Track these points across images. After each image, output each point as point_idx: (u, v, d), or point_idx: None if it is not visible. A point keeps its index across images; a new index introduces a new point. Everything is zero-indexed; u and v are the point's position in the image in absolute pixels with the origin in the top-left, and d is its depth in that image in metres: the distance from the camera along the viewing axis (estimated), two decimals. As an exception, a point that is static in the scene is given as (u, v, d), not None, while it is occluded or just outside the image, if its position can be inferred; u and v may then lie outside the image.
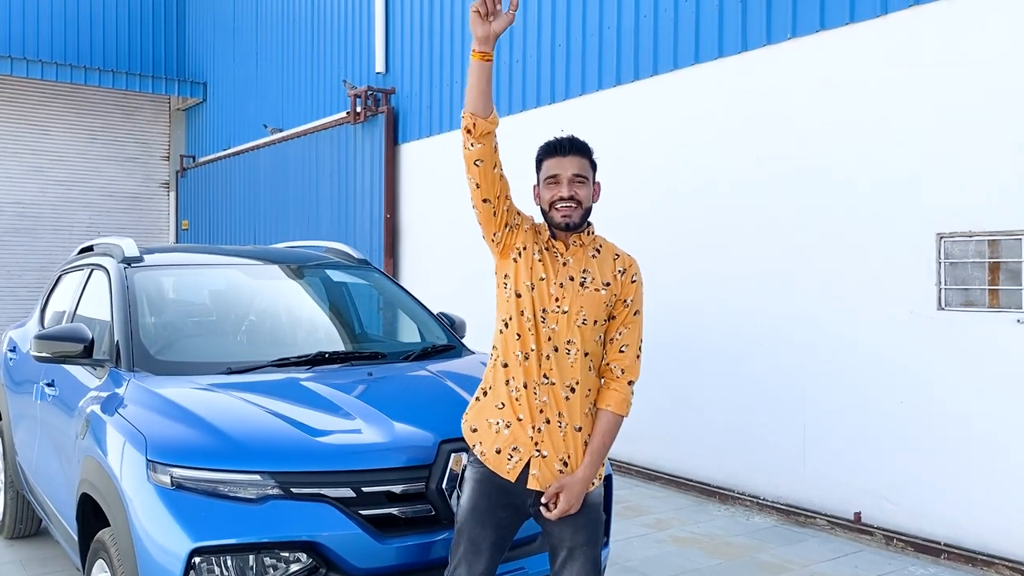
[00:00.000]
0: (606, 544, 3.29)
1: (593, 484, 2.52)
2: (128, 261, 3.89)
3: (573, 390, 2.48)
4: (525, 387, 2.47)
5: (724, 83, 5.83)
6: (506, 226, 2.53)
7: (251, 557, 2.52)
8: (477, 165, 2.44)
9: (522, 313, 2.49)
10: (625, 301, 2.56)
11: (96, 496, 2.91)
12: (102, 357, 3.49)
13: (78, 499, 3.12)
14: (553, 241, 2.55)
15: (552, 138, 2.59)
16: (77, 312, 4.23)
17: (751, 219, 5.64)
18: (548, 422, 2.46)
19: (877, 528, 4.86)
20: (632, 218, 6.53)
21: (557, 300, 2.49)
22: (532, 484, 2.47)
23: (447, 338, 4.08)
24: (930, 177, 4.70)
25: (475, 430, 2.55)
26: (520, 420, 2.47)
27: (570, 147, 2.55)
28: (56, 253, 13.67)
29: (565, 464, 2.47)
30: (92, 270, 4.25)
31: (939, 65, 4.67)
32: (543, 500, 2.45)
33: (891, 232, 4.86)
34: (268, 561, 2.53)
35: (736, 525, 5.25)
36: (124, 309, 3.56)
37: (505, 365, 2.51)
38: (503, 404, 2.50)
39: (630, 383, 2.57)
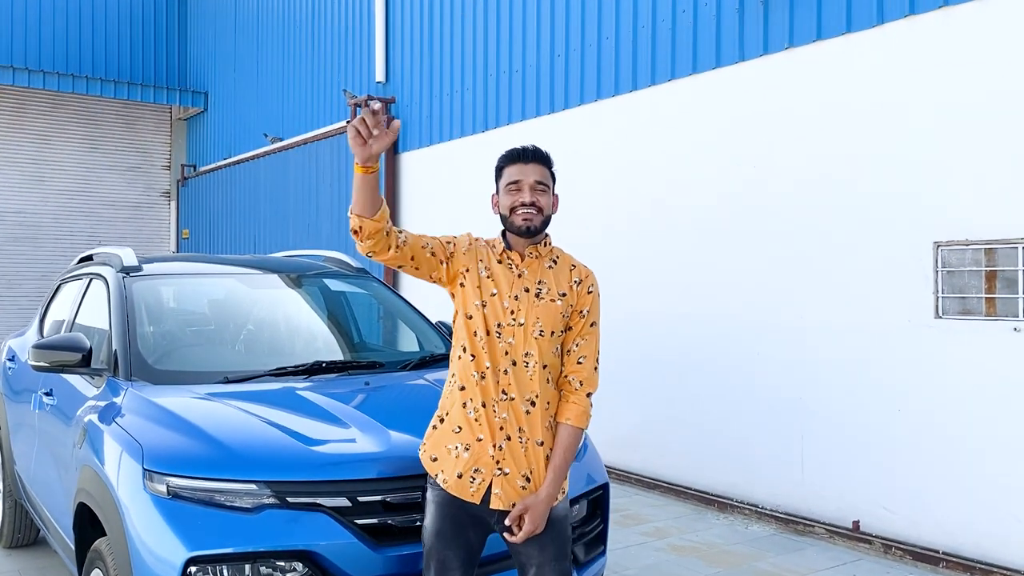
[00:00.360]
0: (603, 553, 3.29)
1: (557, 499, 2.51)
2: (127, 271, 3.91)
3: (533, 404, 2.47)
4: (484, 406, 2.45)
5: (722, 93, 5.85)
6: (442, 263, 2.52)
7: (247, 566, 2.52)
8: (403, 268, 2.48)
9: (475, 333, 2.48)
10: (581, 312, 2.55)
11: (93, 505, 2.91)
12: (100, 366, 3.50)
13: (75, 508, 3.12)
14: (508, 253, 2.54)
15: (512, 147, 2.58)
16: (76, 321, 4.24)
17: (748, 227, 5.65)
18: (509, 439, 2.45)
19: (876, 536, 4.86)
20: (630, 224, 6.55)
21: (512, 313, 2.48)
22: (495, 504, 2.45)
23: (445, 347, 4.09)
24: (927, 186, 4.71)
25: (435, 459, 2.52)
26: (480, 440, 2.45)
27: (533, 155, 2.54)
28: (57, 262, 13.69)
29: (528, 480, 2.46)
30: (91, 279, 4.26)
31: (935, 75, 4.69)
32: (507, 523, 2.44)
33: (888, 241, 4.87)
34: (264, 570, 2.53)
35: (735, 534, 5.25)
36: (122, 318, 3.57)
37: (462, 388, 2.49)
38: (460, 428, 2.48)
39: (588, 395, 2.55)
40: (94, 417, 3.19)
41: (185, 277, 4.31)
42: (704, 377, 5.94)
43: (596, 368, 2.58)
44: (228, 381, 3.31)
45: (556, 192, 2.60)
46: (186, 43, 15.26)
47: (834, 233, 5.15)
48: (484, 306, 2.48)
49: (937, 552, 4.58)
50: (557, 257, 2.60)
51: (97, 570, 2.90)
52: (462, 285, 2.52)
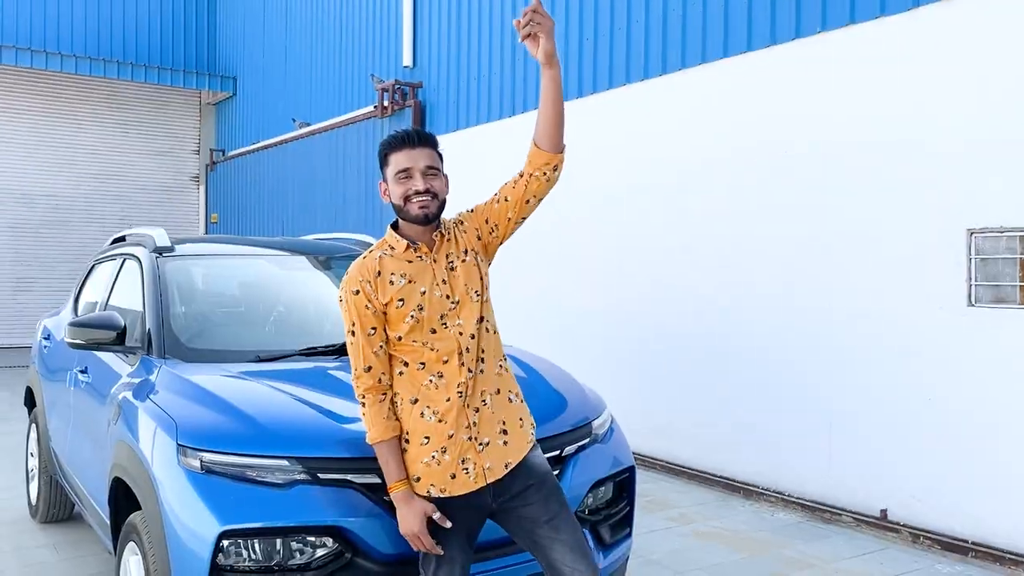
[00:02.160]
0: (629, 535, 3.30)
1: (530, 441, 2.55)
2: (160, 251, 3.95)
3: (482, 360, 2.49)
4: (448, 400, 2.43)
5: (753, 77, 5.80)
6: (385, 314, 2.46)
7: (278, 541, 2.55)
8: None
9: (419, 342, 2.43)
10: (488, 219, 2.57)
11: (128, 480, 2.96)
12: (134, 344, 3.55)
13: (110, 483, 3.17)
14: (414, 248, 2.49)
15: (394, 132, 2.52)
16: (110, 301, 4.31)
17: (778, 214, 5.61)
18: (477, 410, 2.45)
19: (903, 525, 4.83)
20: (664, 211, 6.51)
21: (448, 297, 2.47)
22: (490, 477, 2.45)
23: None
24: (960, 173, 4.64)
25: (419, 479, 2.45)
26: (451, 436, 2.42)
27: (419, 139, 2.48)
28: (88, 245, 13.90)
29: (505, 432, 2.48)
30: (124, 260, 4.32)
31: (968, 59, 4.61)
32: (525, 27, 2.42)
33: (921, 228, 4.81)
34: (295, 545, 2.57)
35: (760, 521, 5.23)
36: (156, 298, 3.62)
37: (415, 400, 2.45)
38: (428, 437, 2.43)
39: None
40: (128, 394, 3.24)
41: (217, 258, 4.35)
42: (731, 365, 5.91)
43: None
44: (260, 360, 3.35)
45: (446, 173, 2.55)
46: (215, 28, 15.36)
47: (864, 220, 5.09)
48: (422, 309, 2.44)
49: (966, 542, 4.54)
50: (448, 229, 2.59)
51: (132, 543, 2.96)
52: (385, 314, 2.46)
